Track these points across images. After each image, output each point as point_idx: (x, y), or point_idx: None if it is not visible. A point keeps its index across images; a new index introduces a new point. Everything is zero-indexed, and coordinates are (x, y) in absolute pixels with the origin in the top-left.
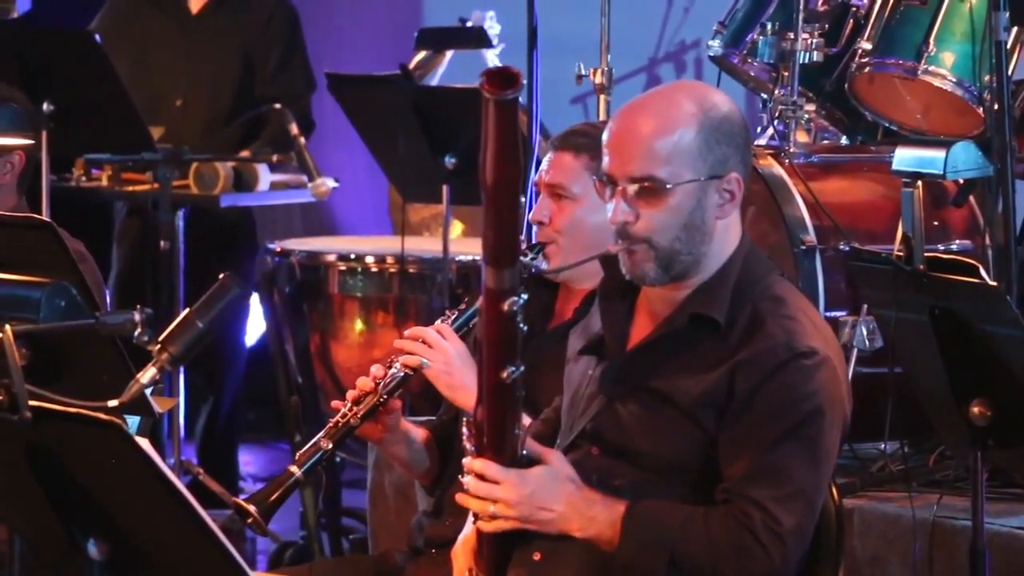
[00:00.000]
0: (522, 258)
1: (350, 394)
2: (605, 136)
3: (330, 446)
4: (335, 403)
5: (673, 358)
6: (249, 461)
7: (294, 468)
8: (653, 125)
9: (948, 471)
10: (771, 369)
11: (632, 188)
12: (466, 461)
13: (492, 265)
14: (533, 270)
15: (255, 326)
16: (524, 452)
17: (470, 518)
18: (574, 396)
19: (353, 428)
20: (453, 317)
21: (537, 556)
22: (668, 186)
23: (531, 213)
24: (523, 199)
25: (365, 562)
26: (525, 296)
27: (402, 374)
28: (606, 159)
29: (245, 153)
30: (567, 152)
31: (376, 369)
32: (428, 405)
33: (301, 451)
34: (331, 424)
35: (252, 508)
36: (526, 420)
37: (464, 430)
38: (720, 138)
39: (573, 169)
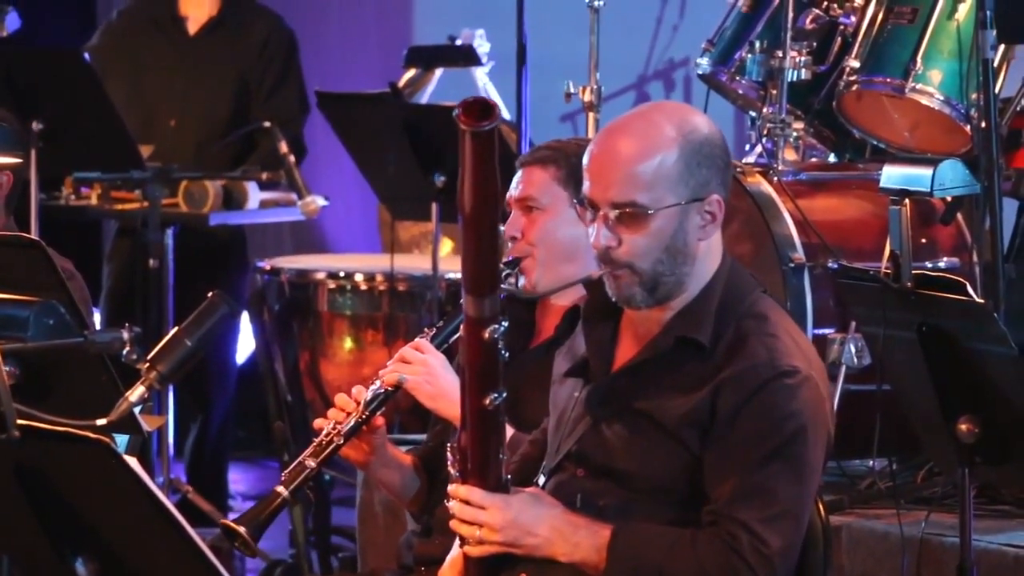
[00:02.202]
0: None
1: (332, 412)
2: (585, 160)
3: (315, 465)
4: (318, 422)
5: (658, 380)
6: (238, 479)
7: (281, 488)
8: (634, 150)
9: (936, 488)
10: (753, 389)
11: (613, 214)
12: (451, 487)
13: (472, 293)
14: (514, 290)
15: (245, 344)
16: (508, 477)
17: (457, 541)
18: (560, 418)
19: (338, 447)
20: (432, 334)
21: None
22: (650, 211)
23: (503, 230)
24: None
25: None
26: (506, 323)
27: (383, 391)
28: (587, 183)
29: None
30: (534, 166)
31: (357, 390)
32: (418, 422)
33: (287, 471)
34: (315, 443)
35: (241, 529)
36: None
37: (449, 455)
38: (701, 161)
39: (541, 181)
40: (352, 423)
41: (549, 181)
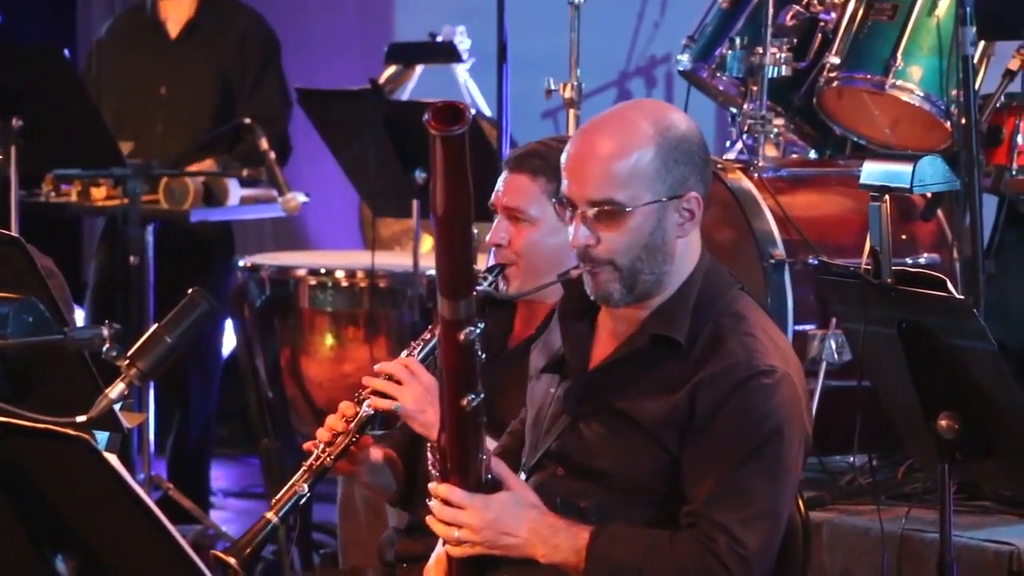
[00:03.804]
0: (482, 281)
1: (321, 434)
2: (563, 159)
3: (306, 490)
4: (307, 445)
5: (635, 378)
6: (219, 476)
7: (271, 515)
8: (611, 147)
9: (916, 484)
10: (731, 388)
11: (592, 211)
12: (431, 486)
13: (447, 296)
14: (490, 291)
15: (226, 341)
16: (489, 476)
17: (441, 539)
18: (537, 414)
19: (327, 469)
20: (419, 348)
21: None
22: (627, 209)
23: (488, 235)
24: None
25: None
26: (482, 325)
27: (372, 411)
28: (565, 182)
29: (210, 164)
30: (523, 174)
31: (345, 406)
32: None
33: (276, 497)
34: (305, 467)
35: (232, 560)
36: (490, 443)
37: (428, 456)
38: (678, 158)
39: (530, 192)
40: (343, 447)
41: (539, 193)
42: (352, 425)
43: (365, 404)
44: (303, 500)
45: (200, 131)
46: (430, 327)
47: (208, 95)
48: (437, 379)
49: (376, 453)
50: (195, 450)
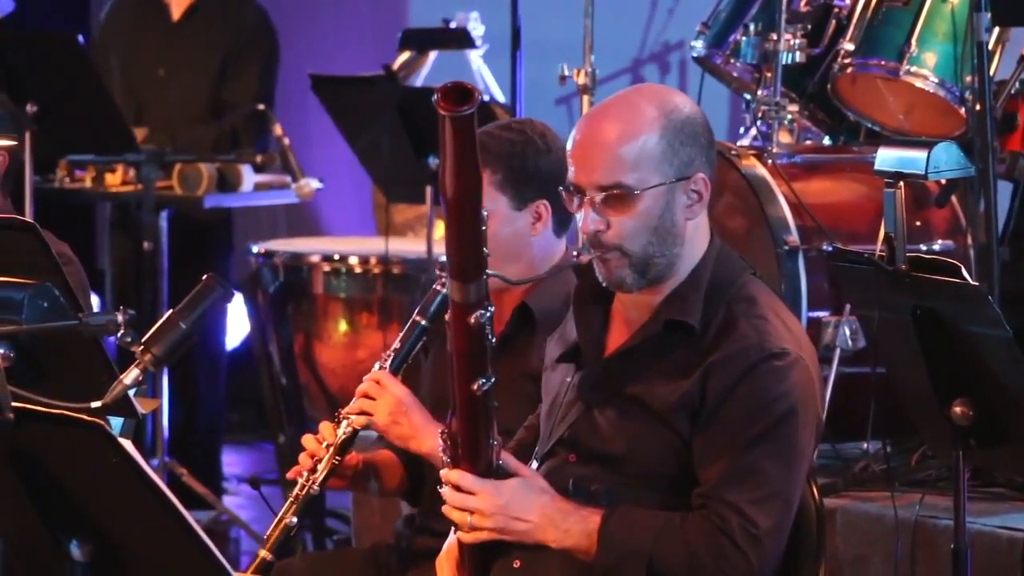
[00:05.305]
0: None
1: (303, 460)
2: (569, 146)
3: (295, 521)
4: (291, 473)
5: (649, 365)
6: (233, 462)
7: (265, 553)
8: (617, 132)
9: (930, 471)
10: (743, 371)
11: (600, 197)
12: (443, 472)
13: (457, 279)
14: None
15: (240, 327)
16: (500, 463)
17: (453, 526)
18: (552, 404)
19: (314, 497)
20: (390, 359)
21: (517, 564)
22: (636, 192)
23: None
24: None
25: (353, 554)
26: (492, 308)
27: (352, 430)
28: (572, 169)
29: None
30: None
31: (325, 428)
32: None
33: (268, 532)
34: (292, 498)
35: None
36: None
37: (439, 442)
38: (684, 140)
39: None
40: (327, 471)
41: (486, 186)
42: (332, 448)
43: (344, 424)
44: (294, 531)
45: (194, 116)
46: (400, 336)
47: (203, 80)
48: (446, 366)
49: (372, 463)
50: (206, 436)
